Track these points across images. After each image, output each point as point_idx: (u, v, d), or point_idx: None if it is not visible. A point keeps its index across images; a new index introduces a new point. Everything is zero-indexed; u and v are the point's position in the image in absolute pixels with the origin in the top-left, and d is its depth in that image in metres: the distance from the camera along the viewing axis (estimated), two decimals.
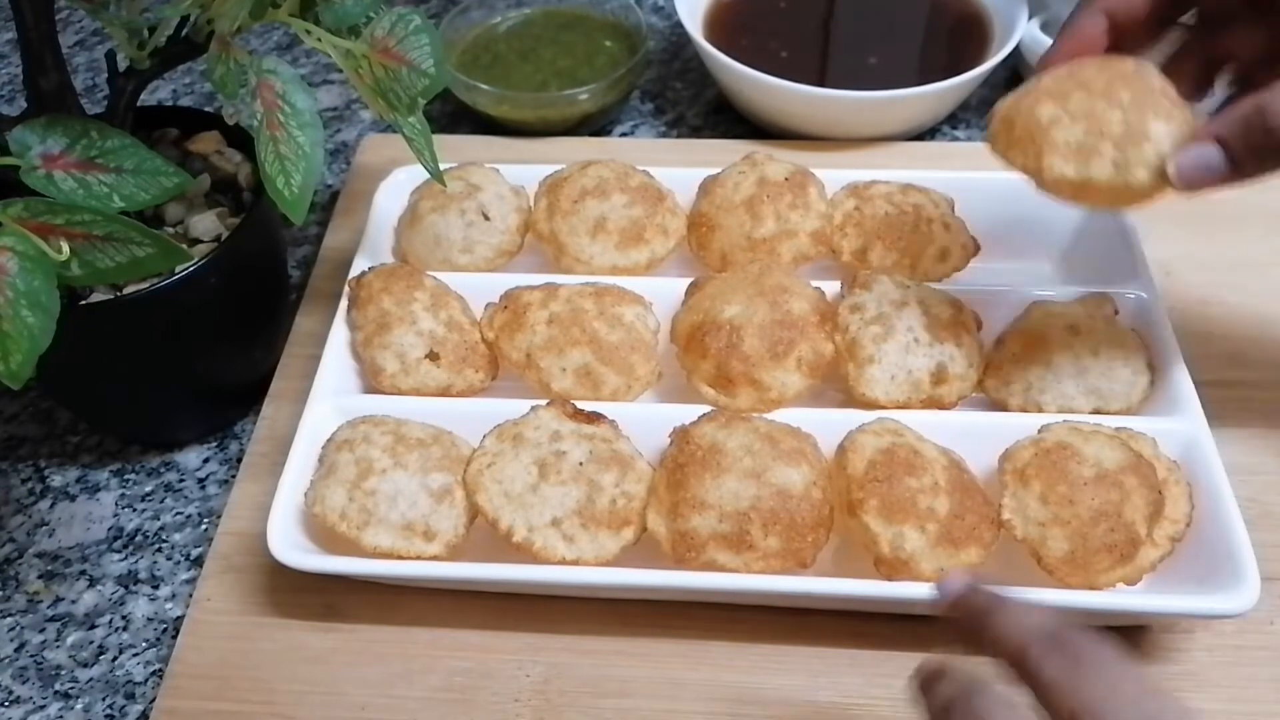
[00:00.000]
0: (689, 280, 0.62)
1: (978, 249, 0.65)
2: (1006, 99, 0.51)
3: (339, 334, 0.62)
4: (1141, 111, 0.47)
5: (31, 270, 0.44)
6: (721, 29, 0.82)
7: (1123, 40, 0.51)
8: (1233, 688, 0.51)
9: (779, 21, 0.84)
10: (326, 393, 0.59)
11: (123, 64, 0.55)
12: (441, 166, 0.57)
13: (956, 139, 0.82)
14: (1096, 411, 0.57)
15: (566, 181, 0.66)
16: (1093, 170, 0.47)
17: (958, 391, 0.58)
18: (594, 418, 0.55)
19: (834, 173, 0.68)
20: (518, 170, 0.69)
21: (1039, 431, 0.54)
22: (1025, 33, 0.76)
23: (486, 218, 0.65)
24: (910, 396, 0.57)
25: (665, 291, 0.62)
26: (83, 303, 0.53)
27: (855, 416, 0.55)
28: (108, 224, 0.47)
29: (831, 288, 0.61)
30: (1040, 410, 0.57)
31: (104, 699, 0.54)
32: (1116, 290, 0.61)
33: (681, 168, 0.69)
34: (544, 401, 0.56)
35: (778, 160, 0.66)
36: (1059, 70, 0.50)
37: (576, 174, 0.66)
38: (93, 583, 0.59)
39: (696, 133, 0.83)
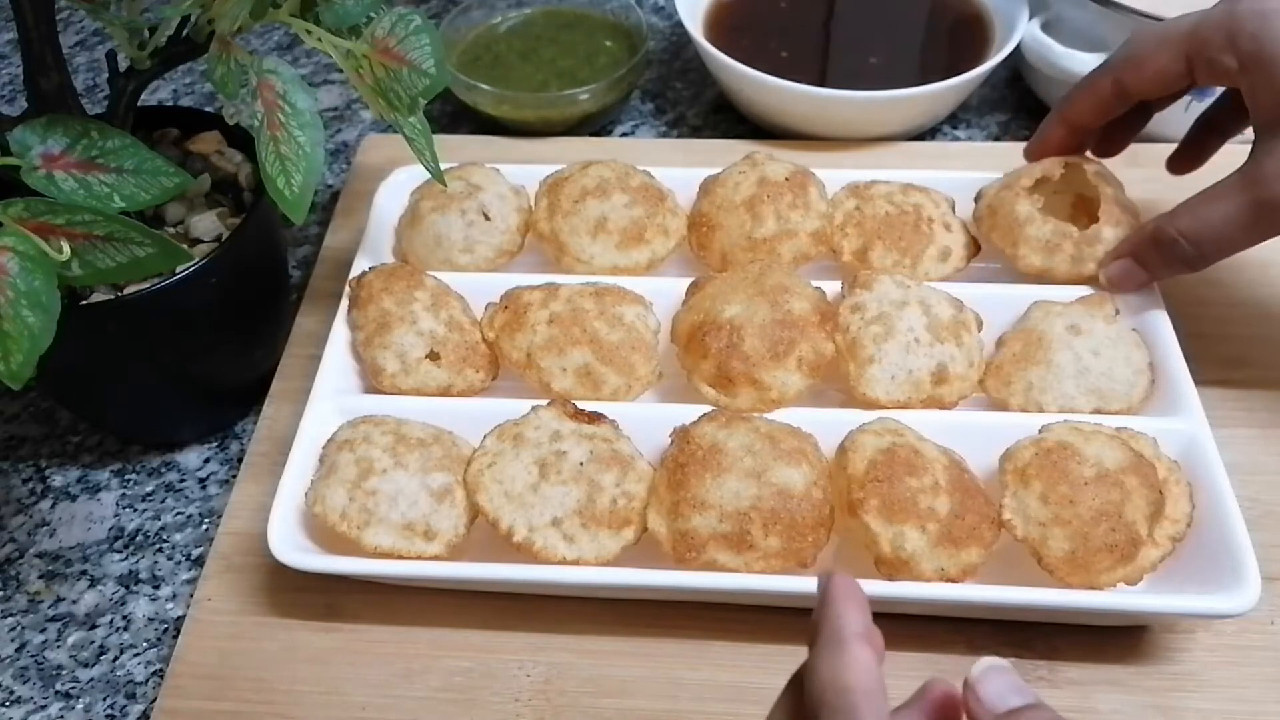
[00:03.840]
0: (689, 280, 0.62)
1: (978, 249, 0.65)
2: (992, 186, 0.65)
3: (339, 334, 0.62)
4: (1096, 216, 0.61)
5: (32, 270, 0.44)
6: (722, 29, 0.82)
7: (1084, 142, 0.65)
8: (1233, 688, 0.51)
9: (779, 21, 0.84)
10: (327, 393, 0.59)
11: (123, 64, 0.55)
12: (442, 166, 0.57)
13: (956, 139, 0.81)
14: (1097, 411, 0.57)
15: (567, 181, 0.66)
16: (1055, 263, 0.62)
17: (958, 391, 0.58)
18: (594, 418, 0.55)
19: (834, 173, 0.68)
20: (518, 170, 0.69)
21: (1039, 431, 0.54)
22: (1025, 33, 0.76)
23: (487, 218, 0.65)
24: (911, 396, 0.57)
25: (665, 291, 0.62)
26: (83, 303, 0.53)
27: (855, 416, 0.55)
28: (108, 224, 0.47)
29: (832, 288, 0.61)
30: (1041, 410, 0.57)
31: (105, 699, 0.54)
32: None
33: (682, 168, 0.69)
34: (544, 401, 0.56)
35: (778, 160, 0.66)
36: (1034, 167, 0.64)
37: (577, 174, 0.66)
38: (93, 583, 0.59)
39: (697, 133, 0.83)
